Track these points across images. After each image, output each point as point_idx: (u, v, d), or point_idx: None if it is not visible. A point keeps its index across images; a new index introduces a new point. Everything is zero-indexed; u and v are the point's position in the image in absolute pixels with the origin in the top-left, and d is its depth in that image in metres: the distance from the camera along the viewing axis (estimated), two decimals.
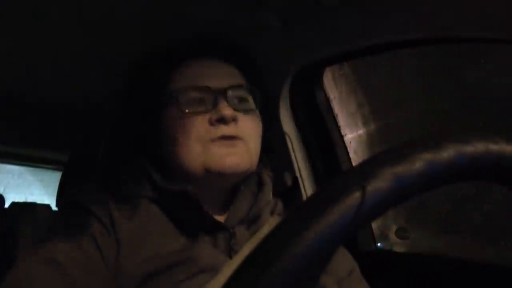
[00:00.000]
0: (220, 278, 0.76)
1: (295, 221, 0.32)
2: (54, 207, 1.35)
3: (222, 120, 0.82)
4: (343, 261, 0.92)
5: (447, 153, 0.33)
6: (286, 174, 1.23)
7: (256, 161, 0.88)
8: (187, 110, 0.84)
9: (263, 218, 0.89)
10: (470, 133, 0.35)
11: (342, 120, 1.33)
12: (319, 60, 1.16)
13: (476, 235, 1.24)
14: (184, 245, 0.79)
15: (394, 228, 1.31)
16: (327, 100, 1.31)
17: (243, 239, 0.84)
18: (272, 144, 0.98)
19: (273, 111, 1.19)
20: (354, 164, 1.31)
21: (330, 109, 1.31)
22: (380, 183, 0.32)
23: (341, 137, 1.31)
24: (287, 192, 1.18)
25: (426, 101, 1.44)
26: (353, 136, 1.39)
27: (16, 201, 1.37)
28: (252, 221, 0.88)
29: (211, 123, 0.83)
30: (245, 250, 0.82)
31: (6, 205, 1.50)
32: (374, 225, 1.29)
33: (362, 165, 0.34)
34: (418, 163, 0.33)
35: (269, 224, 0.89)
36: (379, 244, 1.28)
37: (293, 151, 1.25)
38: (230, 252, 0.82)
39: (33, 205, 1.31)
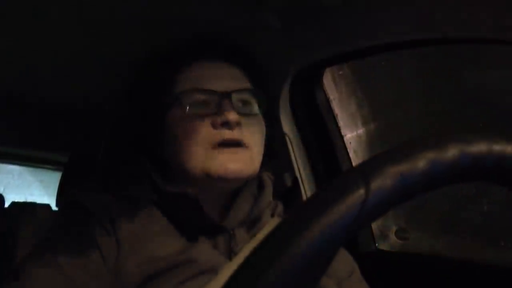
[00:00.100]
0: (219, 279, 0.76)
1: (297, 221, 0.31)
2: (54, 207, 1.35)
3: (226, 124, 0.82)
4: (343, 262, 0.92)
5: (451, 152, 0.33)
6: (286, 175, 1.23)
7: (259, 165, 0.88)
8: (190, 112, 0.84)
9: (263, 220, 0.89)
10: (473, 133, 0.35)
11: (342, 121, 1.33)
12: (319, 61, 1.16)
13: (476, 235, 1.24)
14: (184, 247, 0.79)
15: (394, 228, 1.31)
16: (327, 101, 1.31)
17: (243, 241, 0.84)
18: (274, 147, 0.98)
19: (274, 113, 1.19)
20: (354, 164, 1.31)
21: (330, 109, 1.31)
22: (384, 181, 0.32)
23: (341, 137, 1.31)
24: (287, 193, 1.18)
25: (426, 101, 1.44)
26: (353, 137, 1.38)
27: (16, 201, 1.37)
28: (253, 223, 0.87)
29: (215, 126, 0.82)
30: (245, 252, 0.82)
31: (6, 205, 1.50)
32: (374, 225, 1.29)
33: (365, 163, 0.34)
34: (422, 162, 0.33)
35: (269, 225, 0.89)
36: (379, 245, 1.28)
37: (293, 151, 1.25)
38: (230, 254, 0.82)
39: (33, 205, 1.31)
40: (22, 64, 1.09)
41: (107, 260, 0.75)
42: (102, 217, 0.78)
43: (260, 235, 0.86)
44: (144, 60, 0.98)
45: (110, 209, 0.80)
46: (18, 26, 0.92)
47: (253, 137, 0.86)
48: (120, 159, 0.99)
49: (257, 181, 0.89)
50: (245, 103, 0.88)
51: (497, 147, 0.35)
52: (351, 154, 1.32)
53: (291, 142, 1.25)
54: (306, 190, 1.25)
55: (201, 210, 0.80)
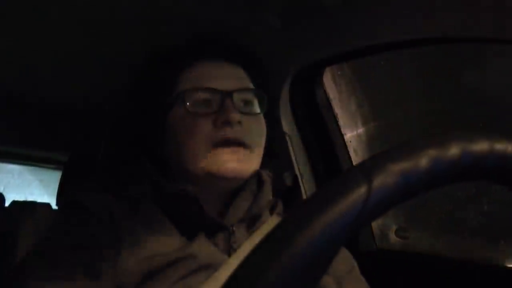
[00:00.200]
0: (218, 276, 0.76)
1: (297, 219, 0.31)
2: (54, 206, 1.35)
3: (228, 123, 0.82)
4: (343, 260, 0.92)
5: (453, 151, 0.33)
6: (286, 174, 1.23)
7: (259, 165, 0.89)
8: (192, 111, 0.85)
9: (263, 217, 0.89)
10: (475, 132, 0.35)
11: (342, 120, 1.33)
12: (319, 60, 1.16)
13: (476, 235, 1.24)
14: (183, 244, 0.79)
15: (394, 228, 1.31)
16: (327, 100, 1.31)
17: (242, 238, 0.84)
18: (274, 147, 0.98)
19: (274, 113, 1.20)
20: (354, 164, 1.31)
21: (330, 109, 1.31)
22: (386, 179, 0.32)
23: (341, 136, 1.31)
24: (287, 192, 1.18)
25: (426, 101, 1.44)
26: (353, 136, 1.38)
27: (16, 200, 1.37)
28: (252, 221, 0.88)
29: (216, 125, 0.83)
30: (244, 249, 0.82)
31: (6, 204, 1.50)
32: (374, 225, 1.29)
33: (367, 161, 0.34)
34: (424, 160, 0.33)
35: (269, 223, 0.89)
36: (379, 244, 1.28)
37: (293, 151, 1.25)
38: (229, 251, 0.82)
39: (33, 204, 1.31)
40: (22, 64, 1.09)
41: (107, 259, 0.75)
42: (102, 217, 0.79)
43: (260, 233, 0.86)
44: (145, 60, 0.98)
45: (110, 209, 0.80)
46: (18, 26, 0.92)
47: (254, 136, 0.87)
48: (120, 159, 0.99)
49: (256, 179, 0.89)
50: (247, 102, 0.89)
51: (499, 146, 0.35)
52: (351, 154, 1.32)
53: (291, 142, 1.25)
54: (306, 189, 1.25)
55: (201, 208, 0.81)
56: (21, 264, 0.76)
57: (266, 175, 0.91)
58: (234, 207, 0.85)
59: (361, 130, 1.42)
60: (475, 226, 1.25)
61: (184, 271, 0.74)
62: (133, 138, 0.94)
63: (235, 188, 0.87)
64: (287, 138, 1.25)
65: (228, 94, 0.85)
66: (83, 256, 0.74)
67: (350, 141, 1.35)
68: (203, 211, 0.81)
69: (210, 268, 0.77)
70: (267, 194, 0.90)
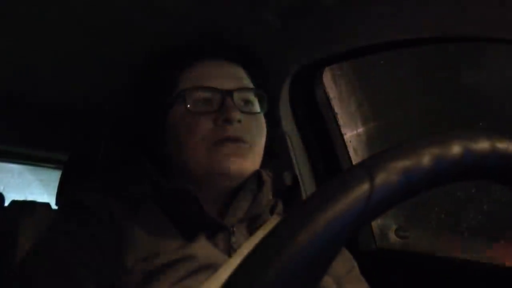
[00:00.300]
0: (218, 276, 0.76)
1: (299, 217, 0.30)
2: (54, 206, 1.35)
3: (228, 121, 0.83)
4: (343, 260, 0.92)
5: (455, 149, 0.33)
6: (286, 173, 1.23)
7: (259, 163, 0.89)
8: (192, 110, 0.85)
9: (263, 217, 0.89)
10: (478, 131, 0.35)
11: (342, 120, 1.33)
12: (319, 60, 1.16)
13: (476, 235, 1.24)
14: (183, 243, 0.79)
15: (394, 227, 1.32)
16: (327, 99, 1.31)
17: (242, 238, 0.85)
18: (274, 147, 0.99)
19: (275, 112, 1.20)
20: (354, 163, 1.31)
21: (330, 108, 1.31)
22: (389, 177, 0.32)
23: (341, 136, 1.32)
24: (287, 192, 1.18)
25: (425, 100, 1.44)
26: (352, 135, 1.38)
27: (15, 199, 1.37)
28: (252, 220, 0.88)
29: (217, 123, 0.83)
30: (244, 249, 0.82)
31: (6, 203, 1.50)
32: (374, 224, 1.30)
33: (370, 158, 0.34)
34: (426, 159, 0.33)
35: (269, 223, 0.89)
36: (378, 244, 1.29)
37: (293, 150, 1.25)
38: (230, 251, 0.82)
39: (32, 203, 1.31)
40: (22, 64, 1.09)
41: (107, 258, 0.75)
42: (102, 217, 0.79)
43: (260, 233, 0.86)
44: (145, 60, 0.98)
45: (110, 209, 0.80)
46: (18, 26, 0.92)
47: (254, 135, 0.87)
48: (120, 159, 0.99)
49: (256, 179, 0.90)
50: (247, 102, 0.89)
51: (500, 146, 0.35)
52: (351, 153, 1.33)
53: (291, 141, 1.26)
54: (306, 188, 1.25)
55: (201, 207, 0.81)
56: (21, 264, 0.76)
57: (266, 175, 0.91)
58: (234, 207, 0.86)
59: (361, 129, 1.42)
60: (475, 226, 1.25)
61: (184, 271, 0.74)
62: (133, 138, 0.94)
63: (235, 187, 0.87)
64: (287, 137, 1.25)
65: (229, 93, 0.85)
66: (83, 256, 0.74)
67: (350, 141, 1.35)
68: (203, 211, 0.81)
69: (210, 268, 0.77)
70: (267, 194, 0.90)
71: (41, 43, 0.99)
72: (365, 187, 0.31)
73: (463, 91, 1.34)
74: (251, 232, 0.87)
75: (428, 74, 1.40)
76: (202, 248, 0.79)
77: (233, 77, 0.90)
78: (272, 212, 0.93)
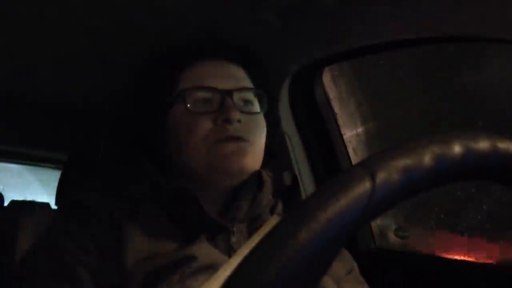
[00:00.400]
0: (218, 276, 0.76)
1: (300, 216, 0.30)
2: (53, 206, 1.35)
3: (227, 121, 0.83)
4: (342, 260, 0.92)
5: (456, 149, 0.33)
6: (285, 173, 1.24)
7: (260, 163, 0.89)
8: (192, 110, 0.85)
9: (263, 217, 0.89)
10: (479, 130, 0.35)
11: (341, 120, 1.33)
12: (318, 60, 1.16)
13: (475, 234, 1.24)
14: (183, 244, 0.79)
15: (393, 227, 1.32)
16: (327, 100, 1.31)
17: (242, 238, 0.84)
18: (274, 146, 0.99)
19: (274, 112, 1.20)
20: (353, 163, 1.31)
21: (329, 108, 1.31)
22: (390, 176, 0.32)
23: (341, 136, 1.32)
24: (287, 192, 1.18)
25: (425, 100, 1.44)
26: (352, 135, 1.39)
27: (15, 199, 1.37)
28: (252, 221, 0.88)
29: (217, 123, 0.84)
30: (244, 249, 0.82)
31: (5, 203, 1.49)
32: (373, 224, 1.30)
33: (371, 157, 0.33)
34: (428, 158, 0.33)
35: (269, 223, 0.89)
36: (378, 244, 1.29)
37: (293, 150, 1.25)
38: (230, 251, 0.82)
39: (32, 203, 1.31)
40: (22, 64, 1.09)
41: (108, 258, 0.75)
42: (102, 217, 0.79)
43: (260, 233, 0.86)
44: (145, 59, 0.98)
45: (110, 209, 0.80)
46: (18, 26, 0.92)
47: (254, 135, 0.87)
48: (120, 159, 0.99)
49: (256, 179, 0.90)
50: (246, 102, 0.89)
51: (501, 145, 0.35)
52: (351, 153, 1.33)
53: (290, 141, 1.26)
54: (306, 188, 1.25)
55: (201, 207, 0.81)
56: (20, 264, 0.76)
57: (267, 175, 0.91)
58: (234, 207, 0.86)
59: (360, 129, 1.42)
60: (475, 226, 1.25)
61: (184, 272, 0.74)
62: (133, 138, 0.94)
63: (236, 187, 0.87)
64: (287, 137, 1.25)
65: (228, 93, 0.85)
66: (83, 256, 0.74)
67: (350, 141, 1.35)
68: (203, 211, 0.81)
69: (210, 268, 0.77)
70: (267, 194, 0.90)
71: (41, 43, 0.99)
72: (366, 186, 0.31)
73: (462, 91, 1.34)
74: (251, 232, 0.87)
75: (428, 74, 1.40)
76: (202, 248, 0.79)
77: (232, 77, 0.90)
78: (272, 212, 0.93)
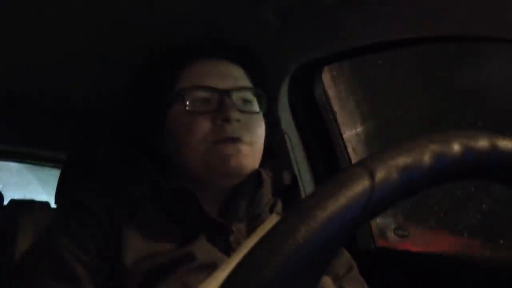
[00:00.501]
0: (218, 275, 0.76)
1: (299, 215, 0.30)
2: (53, 205, 1.35)
3: (226, 121, 0.83)
4: (342, 259, 0.92)
5: (456, 148, 0.33)
6: (285, 173, 1.23)
7: (258, 162, 0.89)
8: (191, 109, 0.85)
9: (262, 216, 0.89)
10: (478, 130, 0.35)
11: (341, 119, 1.33)
12: (318, 59, 1.16)
13: (475, 234, 1.24)
14: (183, 243, 0.79)
15: (393, 226, 1.32)
16: (326, 99, 1.31)
17: (242, 237, 0.84)
18: (273, 146, 0.99)
19: (274, 112, 1.20)
20: (353, 162, 1.31)
21: (329, 107, 1.31)
22: (390, 174, 0.31)
23: (340, 135, 1.31)
24: (286, 191, 1.18)
25: (425, 100, 1.44)
26: (352, 135, 1.39)
27: (14, 198, 1.37)
28: (252, 220, 0.88)
29: (215, 123, 0.83)
30: (244, 248, 0.82)
31: (5, 202, 1.49)
32: (373, 223, 1.30)
33: (371, 156, 0.33)
34: (427, 157, 0.33)
35: (268, 222, 0.89)
36: (378, 243, 1.29)
37: (292, 149, 1.25)
38: (229, 250, 0.82)
39: (32, 202, 1.31)
40: (22, 64, 1.09)
41: (107, 258, 0.75)
42: (102, 217, 0.79)
43: (259, 232, 0.86)
44: (144, 59, 0.98)
45: (110, 209, 0.80)
46: (18, 26, 0.92)
47: (253, 134, 0.87)
48: (120, 159, 0.99)
49: (255, 178, 0.90)
50: (246, 101, 0.89)
51: (501, 144, 0.35)
52: (350, 152, 1.33)
53: (290, 140, 1.26)
54: (305, 188, 1.25)
55: (200, 207, 0.81)
56: (20, 263, 0.76)
57: (266, 175, 0.91)
58: (233, 207, 0.86)
59: (360, 129, 1.43)
60: (475, 225, 1.25)
61: (183, 271, 0.74)
62: (133, 138, 0.94)
63: (235, 186, 0.87)
64: (286, 137, 1.25)
65: (227, 92, 0.85)
66: (82, 256, 0.74)
67: (349, 140, 1.35)
68: (202, 210, 0.81)
69: (209, 267, 0.77)
70: (267, 193, 0.90)
71: (41, 43, 0.99)
72: (365, 185, 0.31)
73: (462, 91, 1.34)
74: (250, 231, 0.87)
75: (428, 73, 1.40)
76: (202, 248, 0.79)
77: (232, 77, 0.90)
78: (271, 211, 0.92)
